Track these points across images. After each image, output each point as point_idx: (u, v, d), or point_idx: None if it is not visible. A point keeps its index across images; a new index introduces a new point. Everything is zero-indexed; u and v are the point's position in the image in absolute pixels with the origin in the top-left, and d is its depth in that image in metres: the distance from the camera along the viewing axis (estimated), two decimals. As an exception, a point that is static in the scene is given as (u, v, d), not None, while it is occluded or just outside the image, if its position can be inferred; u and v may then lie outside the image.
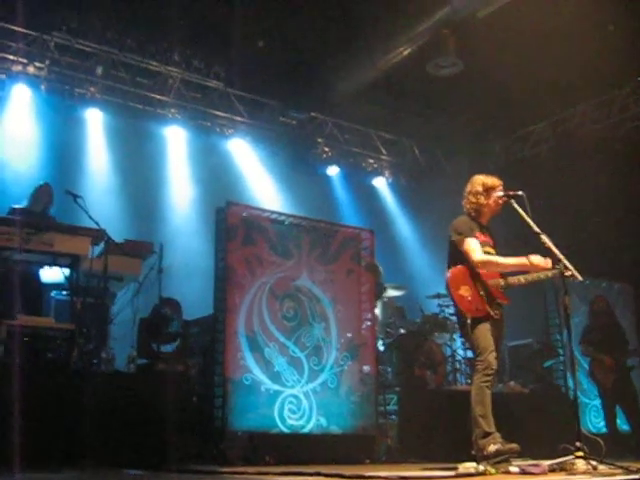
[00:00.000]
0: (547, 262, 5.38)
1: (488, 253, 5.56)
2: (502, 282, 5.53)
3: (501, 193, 5.62)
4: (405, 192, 12.82)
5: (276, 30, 9.91)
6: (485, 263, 5.48)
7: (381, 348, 8.68)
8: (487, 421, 5.25)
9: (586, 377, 8.97)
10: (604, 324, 8.83)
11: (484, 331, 5.39)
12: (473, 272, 5.49)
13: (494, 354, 5.36)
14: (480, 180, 5.72)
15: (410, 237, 12.17)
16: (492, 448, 5.09)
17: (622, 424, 8.83)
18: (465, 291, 5.45)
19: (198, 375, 7.28)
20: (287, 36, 9.94)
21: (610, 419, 8.71)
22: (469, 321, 5.42)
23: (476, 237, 5.55)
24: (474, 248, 5.49)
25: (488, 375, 5.32)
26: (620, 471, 4.54)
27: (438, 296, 9.08)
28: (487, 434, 5.19)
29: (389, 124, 12.38)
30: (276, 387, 6.79)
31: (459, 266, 5.53)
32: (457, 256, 5.59)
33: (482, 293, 5.44)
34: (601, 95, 11.08)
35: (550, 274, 5.38)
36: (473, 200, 5.68)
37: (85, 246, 6.46)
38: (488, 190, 5.68)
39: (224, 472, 5.39)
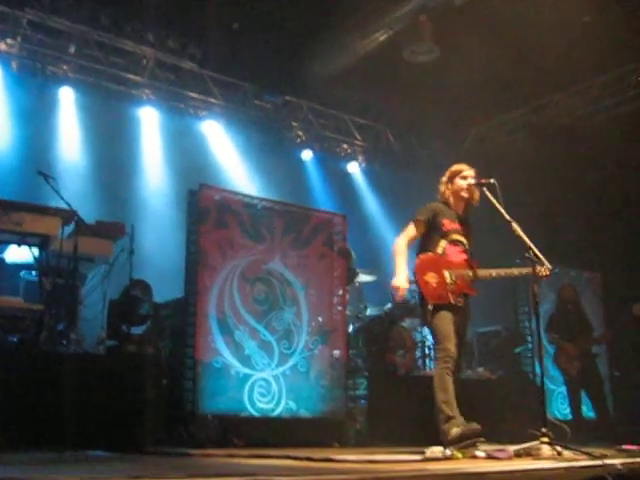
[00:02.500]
0: (400, 286, 5.51)
1: (456, 241, 5.60)
2: (471, 274, 5.56)
3: (473, 180, 5.67)
4: (379, 178, 12.84)
5: (252, 13, 9.83)
6: (395, 247, 5.66)
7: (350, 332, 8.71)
8: (449, 406, 5.32)
9: (553, 364, 9.07)
10: (569, 312, 8.93)
11: (445, 319, 5.44)
12: (442, 260, 5.53)
13: (454, 341, 5.42)
14: (450, 168, 5.78)
15: (383, 223, 12.19)
16: (455, 431, 5.16)
17: (587, 411, 8.96)
18: (431, 277, 5.50)
19: (168, 357, 7.26)
20: (263, 19, 9.87)
21: (575, 406, 8.83)
22: (430, 307, 5.46)
23: (442, 224, 5.59)
24: (404, 232, 5.69)
25: (447, 362, 5.38)
26: (584, 457, 4.62)
27: (409, 282, 9.10)
28: (449, 418, 5.27)
29: (364, 109, 12.38)
30: (246, 370, 6.79)
31: (429, 253, 5.58)
32: (425, 242, 5.64)
33: (449, 281, 5.48)
34: (577, 85, 11.15)
35: (524, 271, 5.45)
36: (440, 188, 5.79)
37: (55, 226, 6.40)
38: (452, 177, 5.76)
39: (193, 454, 5.39)
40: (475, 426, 5.20)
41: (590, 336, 8.89)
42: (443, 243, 5.60)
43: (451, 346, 5.40)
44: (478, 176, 5.70)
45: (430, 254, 5.58)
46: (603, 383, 8.93)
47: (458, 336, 5.54)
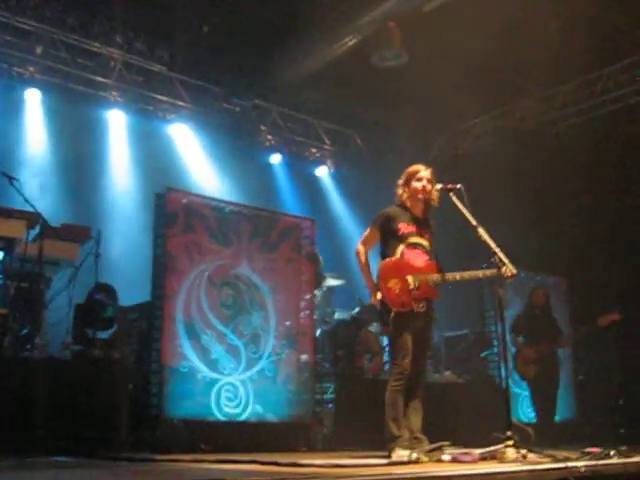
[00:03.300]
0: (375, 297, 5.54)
1: (415, 244, 5.57)
2: (435, 278, 5.53)
3: (439, 185, 5.65)
4: (347, 182, 12.87)
5: (221, 16, 9.82)
6: (356, 254, 5.74)
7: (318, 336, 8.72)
8: (397, 424, 5.32)
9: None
10: (536, 316, 8.98)
11: (403, 332, 5.41)
12: (404, 264, 5.50)
13: (409, 358, 5.39)
14: (406, 170, 5.76)
15: (351, 227, 12.19)
16: (396, 456, 5.08)
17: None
18: (394, 284, 5.45)
19: (135, 362, 7.21)
20: (232, 22, 9.85)
21: (539, 408, 8.88)
22: (392, 315, 5.42)
23: (398, 228, 5.56)
24: (361, 239, 5.76)
25: (400, 380, 5.38)
26: (548, 459, 4.68)
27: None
28: (395, 437, 5.27)
29: (333, 114, 12.40)
30: (213, 375, 6.77)
31: (392, 258, 5.55)
32: (384, 248, 5.65)
33: (412, 287, 5.44)
34: (544, 91, 11.27)
35: (489, 273, 5.41)
36: (398, 191, 5.75)
37: (20, 229, 6.36)
38: (408, 179, 5.72)
39: (159, 460, 5.36)
40: (421, 449, 5.14)
41: (557, 338, 8.93)
42: (401, 247, 5.54)
43: (406, 363, 5.37)
44: (445, 181, 5.70)
45: (392, 260, 5.53)
46: (558, 387, 8.93)
47: (422, 341, 5.54)
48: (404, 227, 5.59)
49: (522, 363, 8.83)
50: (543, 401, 8.79)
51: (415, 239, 5.59)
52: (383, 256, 5.62)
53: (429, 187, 5.65)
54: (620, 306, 8.92)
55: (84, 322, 6.97)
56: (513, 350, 8.94)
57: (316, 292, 8.35)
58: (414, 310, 5.44)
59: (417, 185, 5.66)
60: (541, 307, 9.02)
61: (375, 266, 5.64)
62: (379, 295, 5.52)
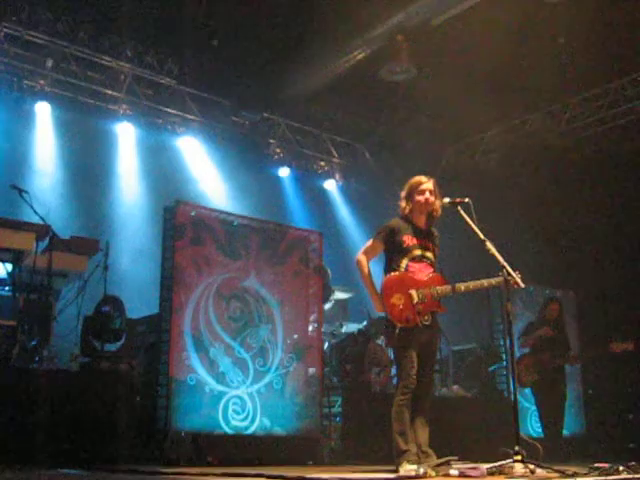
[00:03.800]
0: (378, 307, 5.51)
1: (419, 256, 5.52)
2: (440, 290, 5.46)
3: (447, 199, 5.62)
4: (355, 195, 12.89)
5: (231, 30, 9.87)
6: (357, 264, 5.66)
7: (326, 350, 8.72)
8: (404, 438, 5.28)
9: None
10: (548, 324, 8.84)
11: (409, 347, 5.37)
12: (408, 278, 5.46)
13: (414, 372, 5.35)
14: (408, 182, 5.73)
15: (359, 240, 12.15)
16: (404, 470, 5.06)
17: (565, 429, 8.95)
18: (397, 299, 5.40)
19: (142, 374, 7.21)
20: (241, 36, 9.91)
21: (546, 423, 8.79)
22: (397, 331, 5.38)
23: (402, 241, 5.51)
24: (363, 247, 5.70)
25: (406, 394, 5.33)
26: (556, 475, 4.64)
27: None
28: (403, 452, 5.23)
29: (341, 127, 12.44)
30: (220, 388, 6.76)
31: (395, 273, 5.51)
32: (389, 262, 5.61)
33: (416, 301, 5.39)
34: (551, 105, 11.28)
35: (494, 282, 5.38)
36: (401, 204, 5.70)
37: (29, 241, 6.38)
38: (411, 191, 5.67)
39: (166, 472, 5.35)
40: (428, 463, 5.13)
41: (565, 353, 8.85)
42: (405, 261, 5.49)
43: (412, 377, 5.34)
44: (452, 195, 5.67)
45: (396, 274, 5.48)
46: (564, 401, 8.81)
47: (427, 354, 5.50)
48: (408, 240, 5.53)
49: (524, 369, 8.71)
50: (549, 415, 8.69)
51: (419, 251, 5.54)
52: (387, 270, 5.57)
53: (432, 199, 5.61)
54: (629, 327, 8.84)
55: (92, 334, 6.98)
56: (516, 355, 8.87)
57: (324, 305, 8.35)
58: (419, 324, 5.41)
59: (420, 198, 5.62)
60: (554, 321, 8.87)
61: (379, 281, 5.60)
62: (382, 308, 5.51)
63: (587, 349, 9.41)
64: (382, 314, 5.66)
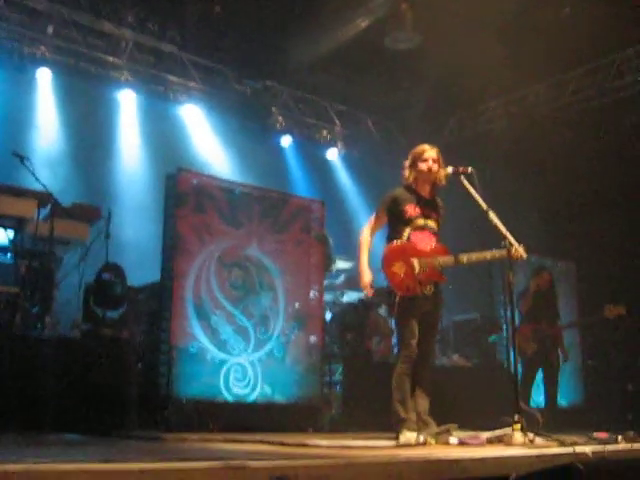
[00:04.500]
0: (366, 286, 5.53)
1: (422, 226, 5.48)
2: (442, 260, 5.43)
3: (450, 168, 5.55)
4: (358, 164, 12.84)
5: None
6: (360, 240, 5.63)
7: (327, 318, 8.74)
8: (404, 407, 5.28)
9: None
10: (538, 298, 8.82)
11: (409, 317, 5.36)
12: (410, 248, 5.42)
13: (415, 341, 5.33)
14: (412, 151, 5.67)
15: (361, 210, 12.17)
16: (404, 439, 5.07)
17: (561, 398, 9.01)
18: (398, 268, 5.36)
19: (144, 342, 7.24)
20: (244, 3, 9.81)
21: (524, 388, 8.78)
22: (398, 300, 5.35)
23: (405, 211, 5.47)
24: (368, 222, 5.68)
25: (407, 362, 5.33)
26: (555, 444, 4.67)
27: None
28: (402, 420, 5.23)
29: (344, 96, 12.35)
30: (222, 355, 6.79)
31: (398, 242, 5.47)
32: (391, 232, 5.59)
33: (417, 270, 5.35)
34: (556, 76, 11.19)
35: (497, 254, 5.31)
36: (405, 173, 5.64)
37: (31, 209, 6.38)
38: (414, 160, 5.60)
39: (167, 438, 5.40)
40: (428, 432, 5.16)
41: (554, 323, 8.83)
42: (407, 231, 5.45)
43: (413, 346, 5.32)
44: (455, 164, 5.62)
45: (397, 243, 5.44)
46: (558, 371, 8.82)
47: (429, 324, 5.48)
48: (411, 209, 5.47)
49: (522, 338, 8.68)
50: (544, 385, 8.72)
51: (422, 221, 5.48)
52: (389, 239, 5.54)
53: (435, 167, 5.53)
54: (628, 298, 8.84)
55: (94, 301, 7.00)
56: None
57: (326, 274, 8.35)
58: (420, 294, 5.39)
59: (423, 166, 5.54)
60: (545, 291, 8.87)
61: (381, 250, 5.60)
62: (369, 277, 5.51)
63: (581, 318, 9.43)
64: (384, 284, 5.64)
